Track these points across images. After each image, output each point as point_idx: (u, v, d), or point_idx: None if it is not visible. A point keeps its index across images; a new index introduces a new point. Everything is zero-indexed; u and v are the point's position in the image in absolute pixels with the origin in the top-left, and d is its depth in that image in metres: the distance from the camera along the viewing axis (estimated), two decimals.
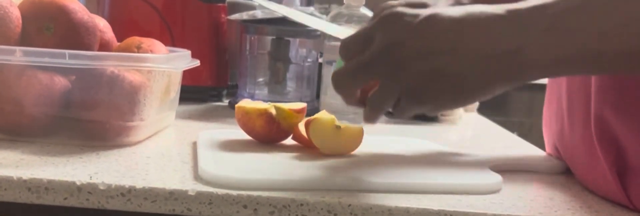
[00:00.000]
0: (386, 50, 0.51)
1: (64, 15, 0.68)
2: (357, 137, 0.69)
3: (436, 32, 0.50)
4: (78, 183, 0.53)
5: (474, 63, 0.50)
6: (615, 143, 0.57)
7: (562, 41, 0.48)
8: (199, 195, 0.53)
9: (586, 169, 0.63)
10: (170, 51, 0.79)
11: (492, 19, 0.50)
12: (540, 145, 0.84)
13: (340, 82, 0.55)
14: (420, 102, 0.53)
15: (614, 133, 0.57)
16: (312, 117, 0.69)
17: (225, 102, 1.10)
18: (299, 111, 0.72)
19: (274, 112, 0.71)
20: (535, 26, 0.49)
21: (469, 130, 1.08)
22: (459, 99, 0.53)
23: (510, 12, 0.50)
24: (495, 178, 0.62)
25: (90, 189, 0.53)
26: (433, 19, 0.51)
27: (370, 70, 0.53)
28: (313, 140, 0.67)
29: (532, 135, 0.84)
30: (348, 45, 0.55)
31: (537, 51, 0.49)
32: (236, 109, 0.73)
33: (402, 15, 0.52)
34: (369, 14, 0.94)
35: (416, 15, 0.51)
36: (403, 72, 0.51)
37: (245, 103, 0.73)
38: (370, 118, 0.57)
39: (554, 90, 0.70)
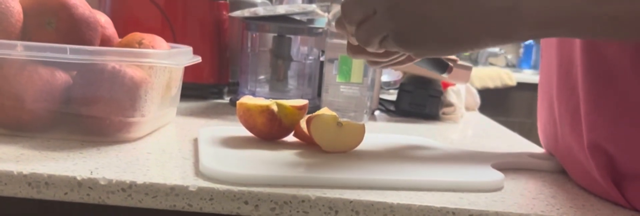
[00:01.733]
0: None
1: (65, 11, 0.68)
2: (359, 134, 0.69)
3: None
4: (79, 178, 0.53)
5: (466, 15, 0.51)
6: (605, 151, 0.57)
7: (558, 2, 0.49)
8: (200, 190, 0.53)
9: (581, 173, 0.63)
10: (172, 47, 0.79)
11: None
12: (541, 144, 0.83)
13: (347, 9, 0.56)
14: (405, 44, 0.54)
15: (603, 141, 0.57)
16: (314, 114, 0.68)
17: (226, 99, 1.10)
18: (301, 108, 0.72)
19: (275, 109, 0.71)
20: None
21: (470, 128, 1.07)
22: (445, 48, 0.54)
23: None
24: (497, 176, 0.61)
25: (91, 184, 0.53)
26: None
27: (373, 2, 0.54)
28: (314, 137, 0.67)
29: (533, 135, 0.84)
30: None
31: (532, 10, 0.50)
32: (238, 106, 0.73)
33: None
34: None
35: None
36: (397, 11, 0.52)
37: (246, 99, 0.73)
38: (353, 50, 0.59)
39: (546, 95, 0.70)
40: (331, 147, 0.68)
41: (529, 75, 3.54)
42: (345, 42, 0.92)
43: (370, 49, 0.58)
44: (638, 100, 0.54)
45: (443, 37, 0.53)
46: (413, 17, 0.52)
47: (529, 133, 0.76)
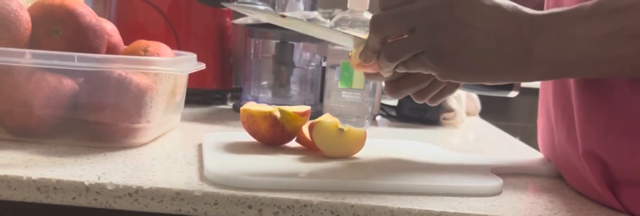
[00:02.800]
0: (435, 7, 0.54)
1: (72, 19, 0.69)
2: (360, 140, 0.70)
3: (482, 9, 0.54)
4: (86, 183, 0.54)
5: (495, 49, 0.54)
6: (599, 158, 0.58)
7: (565, 47, 0.52)
8: (205, 195, 0.54)
9: (578, 179, 0.64)
10: (176, 54, 0.80)
11: (523, 17, 0.54)
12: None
13: (380, 24, 0.57)
14: (439, 63, 0.55)
15: (597, 149, 0.58)
16: (316, 120, 0.69)
17: (230, 105, 1.12)
18: (303, 114, 0.73)
19: (278, 115, 0.72)
20: (547, 31, 0.53)
21: (471, 133, 1.08)
22: (471, 75, 0.56)
23: (536, 16, 0.54)
24: (496, 180, 0.62)
25: (98, 189, 0.54)
26: None
27: (413, 20, 0.55)
28: (316, 143, 0.68)
29: (534, 139, 0.85)
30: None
31: (542, 54, 0.53)
32: (241, 112, 0.74)
33: None
34: None
35: None
36: (440, 30, 0.54)
37: (249, 106, 0.74)
38: (384, 65, 0.59)
39: (544, 102, 0.71)
40: (333, 152, 0.69)
41: None
42: (346, 48, 0.93)
43: (386, 68, 0.59)
44: (630, 108, 0.55)
45: (475, 64, 0.54)
46: (455, 39, 0.54)
47: (530, 138, 0.77)
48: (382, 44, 0.58)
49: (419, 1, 0.55)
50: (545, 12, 0.54)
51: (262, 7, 1.15)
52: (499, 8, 0.54)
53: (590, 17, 0.52)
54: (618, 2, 0.51)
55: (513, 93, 0.73)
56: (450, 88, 0.68)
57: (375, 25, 0.57)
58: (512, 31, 0.54)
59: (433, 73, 0.57)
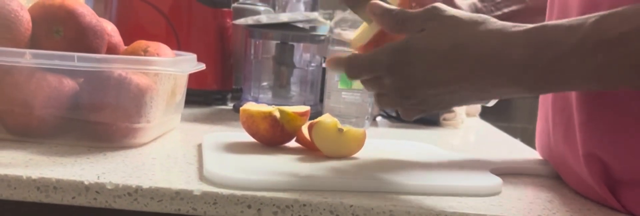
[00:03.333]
0: (396, 62, 0.56)
1: (72, 19, 0.69)
2: (360, 140, 0.70)
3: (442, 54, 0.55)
4: (86, 182, 0.54)
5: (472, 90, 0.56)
6: (599, 159, 0.58)
7: (556, 79, 0.52)
8: (204, 195, 0.54)
9: (576, 180, 0.64)
10: (177, 55, 0.80)
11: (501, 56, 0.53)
12: None
13: (352, 67, 0.59)
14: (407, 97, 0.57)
15: (597, 150, 0.58)
16: (315, 120, 0.70)
17: (230, 106, 1.12)
18: (303, 114, 0.73)
19: (278, 115, 0.72)
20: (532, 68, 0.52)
21: (471, 134, 1.09)
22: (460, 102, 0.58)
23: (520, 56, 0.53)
24: (495, 180, 0.63)
25: (98, 188, 0.54)
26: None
27: (379, 70, 0.57)
28: (316, 143, 0.68)
29: (535, 140, 0.85)
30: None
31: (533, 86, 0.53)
32: (241, 112, 0.74)
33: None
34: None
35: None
36: (413, 89, 0.56)
37: (249, 106, 0.74)
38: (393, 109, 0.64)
39: (543, 104, 0.71)
40: (332, 152, 0.69)
41: None
42: (347, 49, 0.93)
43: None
44: (632, 108, 0.55)
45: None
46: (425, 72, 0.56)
47: (531, 138, 0.77)
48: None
49: (382, 54, 0.57)
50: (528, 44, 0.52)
51: (262, 8, 1.15)
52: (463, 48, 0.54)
53: (578, 50, 0.50)
54: (606, 34, 0.49)
55: (492, 102, 0.74)
56: None
57: (351, 68, 0.59)
58: (481, 75, 0.54)
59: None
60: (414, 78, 0.55)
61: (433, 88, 0.55)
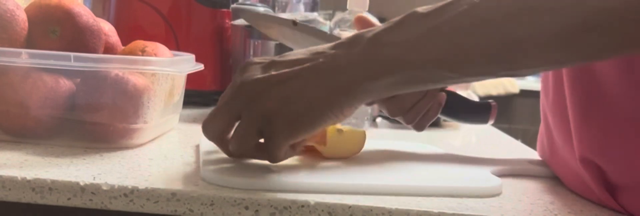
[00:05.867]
0: (237, 90, 0.56)
1: (69, 19, 0.69)
2: (359, 141, 0.70)
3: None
4: (82, 183, 0.54)
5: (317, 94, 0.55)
6: (595, 163, 0.57)
7: (376, 56, 0.53)
8: (201, 196, 0.53)
9: (576, 182, 0.63)
10: (175, 55, 0.79)
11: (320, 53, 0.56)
12: None
13: (206, 127, 0.60)
14: (281, 123, 0.55)
15: (592, 154, 0.57)
16: None
17: None
18: None
19: None
20: (355, 48, 0.54)
21: (471, 135, 1.08)
22: (308, 122, 0.55)
23: (337, 43, 0.55)
24: (495, 181, 0.62)
25: (93, 189, 0.53)
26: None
27: (228, 108, 0.57)
28: (315, 144, 0.68)
29: (536, 142, 0.85)
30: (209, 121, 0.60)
31: (356, 69, 0.53)
32: None
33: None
34: (372, 19, 0.94)
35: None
36: (258, 100, 0.55)
37: None
38: (236, 154, 0.61)
39: (543, 108, 0.71)
40: (331, 153, 0.68)
41: (532, 83, 3.54)
42: None
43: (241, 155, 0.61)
44: (625, 113, 0.55)
45: (309, 112, 0.55)
46: (275, 100, 0.55)
47: (532, 140, 0.77)
48: (223, 144, 0.60)
49: (224, 96, 0.58)
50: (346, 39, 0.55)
51: (262, 9, 1.15)
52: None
53: (402, 23, 0.52)
54: (425, 9, 0.52)
55: (491, 121, 0.75)
56: (434, 112, 0.71)
57: (204, 131, 0.60)
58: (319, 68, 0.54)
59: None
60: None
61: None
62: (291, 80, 0.55)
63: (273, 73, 0.55)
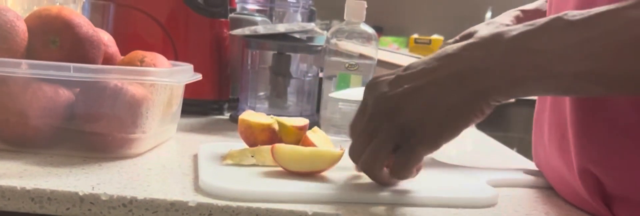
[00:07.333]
0: (373, 110, 0.56)
1: (69, 30, 0.69)
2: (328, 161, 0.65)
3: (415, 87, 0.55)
4: (81, 193, 0.54)
5: (454, 100, 0.54)
6: (593, 174, 0.58)
7: (519, 62, 0.51)
8: (199, 206, 0.54)
9: (571, 193, 0.64)
10: (173, 65, 0.80)
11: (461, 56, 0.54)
12: None
13: (354, 155, 0.59)
14: (424, 138, 0.55)
15: (591, 164, 0.58)
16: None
17: (227, 115, 1.11)
18: (301, 128, 0.73)
19: (276, 127, 0.72)
20: (495, 50, 0.52)
21: (467, 145, 1.08)
22: (446, 131, 0.55)
23: (470, 44, 0.54)
24: (491, 192, 0.62)
25: (92, 200, 0.54)
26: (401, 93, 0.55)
27: (370, 131, 0.56)
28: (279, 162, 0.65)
29: (531, 151, 0.86)
30: (353, 126, 0.60)
31: (498, 74, 0.52)
32: (239, 122, 0.74)
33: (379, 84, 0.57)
34: (369, 30, 0.95)
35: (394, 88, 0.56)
36: (396, 114, 0.55)
37: (248, 116, 0.74)
38: (364, 169, 0.59)
39: (538, 117, 0.71)
40: (298, 168, 0.65)
41: None
42: (343, 59, 0.93)
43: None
44: (626, 124, 0.55)
45: (443, 120, 0.55)
46: (414, 112, 0.55)
47: (528, 148, 0.77)
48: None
49: (359, 122, 0.58)
50: (481, 36, 0.54)
51: (259, 19, 1.15)
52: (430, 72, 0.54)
53: (548, 29, 0.50)
54: (573, 16, 0.50)
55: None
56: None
57: (354, 159, 0.59)
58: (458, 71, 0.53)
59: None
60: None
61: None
62: (426, 89, 0.54)
63: (405, 86, 0.55)
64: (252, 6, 1.21)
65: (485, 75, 0.52)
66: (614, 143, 0.56)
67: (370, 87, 0.58)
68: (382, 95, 0.56)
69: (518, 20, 0.80)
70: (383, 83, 0.56)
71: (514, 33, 0.52)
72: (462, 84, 0.53)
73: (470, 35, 0.76)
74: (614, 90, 0.51)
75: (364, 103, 0.58)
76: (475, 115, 0.54)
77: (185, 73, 0.77)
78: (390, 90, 0.55)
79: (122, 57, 0.79)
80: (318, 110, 1.02)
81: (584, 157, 0.58)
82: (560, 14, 0.51)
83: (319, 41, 1.03)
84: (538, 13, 0.81)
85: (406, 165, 0.56)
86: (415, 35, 1.88)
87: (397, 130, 0.55)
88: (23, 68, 0.64)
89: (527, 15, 0.81)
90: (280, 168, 0.65)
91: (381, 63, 1.07)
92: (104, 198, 0.54)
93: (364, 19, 0.95)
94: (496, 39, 0.52)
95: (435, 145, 0.55)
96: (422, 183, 0.64)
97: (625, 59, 0.48)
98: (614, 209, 0.57)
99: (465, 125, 0.55)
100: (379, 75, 0.59)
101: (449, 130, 0.54)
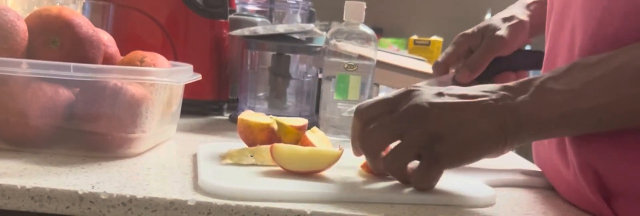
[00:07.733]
0: (409, 109, 0.58)
1: (69, 30, 0.70)
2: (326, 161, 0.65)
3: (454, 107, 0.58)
4: (80, 192, 0.54)
5: (483, 132, 0.57)
6: (594, 170, 0.58)
7: (543, 103, 0.56)
8: (198, 205, 0.54)
9: (571, 191, 0.64)
10: (173, 65, 0.80)
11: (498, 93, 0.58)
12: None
13: (369, 143, 0.60)
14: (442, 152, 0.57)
15: (591, 160, 0.58)
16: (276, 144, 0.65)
17: (226, 116, 1.12)
18: (300, 128, 0.74)
19: (275, 127, 0.72)
20: (522, 94, 0.57)
21: None
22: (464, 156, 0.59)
23: (504, 88, 0.58)
24: (489, 191, 0.63)
25: (92, 198, 0.54)
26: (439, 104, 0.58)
27: (395, 126, 0.58)
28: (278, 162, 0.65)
29: (530, 151, 0.86)
30: (368, 109, 0.61)
31: (524, 114, 0.56)
32: (239, 122, 0.74)
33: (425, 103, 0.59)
34: (368, 31, 0.95)
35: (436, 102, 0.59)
36: (430, 122, 0.57)
37: (247, 116, 0.74)
38: (386, 171, 0.62)
39: None
40: (296, 167, 0.65)
41: None
42: (342, 60, 0.94)
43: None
44: None
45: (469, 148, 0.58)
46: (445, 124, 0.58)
47: (527, 149, 0.77)
48: (377, 159, 0.61)
49: (397, 110, 0.59)
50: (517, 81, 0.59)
51: (259, 19, 1.16)
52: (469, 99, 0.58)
53: (568, 72, 0.56)
54: (589, 59, 0.56)
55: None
56: None
57: (362, 143, 0.61)
58: (493, 112, 0.57)
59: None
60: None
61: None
62: (465, 110, 0.57)
63: (447, 100, 0.58)
64: (251, 7, 1.21)
65: (515, 111, 0.56)
66: (616, 137, 0.56)
67: (412, 91, 0.60)
68: (422, 101, 0.58)
69: (533, 12, 0.86)
70: (427, 91, 0.59)
71: (542, 78, 0.57)
72: (494, 115, 0.57)
73: (487, 27, 0.84)
74: (632, 122, 0.55)
75: (394, 100, 0.60)
76: (498, 148, 0.58)
77: (184, 74, 0.77)
78: (433, 98, 0.58)
79: (122, 57, 0.79)
80: (317, 110, 1.03)
81: (585, 152, 0.58)
82: (577, 60, 0.57)
83: (318, 42, 1.03)
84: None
85: (429, 173, 0.59)
86: (415, 37, 1.88)
87: (426, 136, 0.57)
88: (23, 67, 0.64)
89: (541, 6, 0.85)
90: (279, 168, 0.65)
91: (380, 65, 1.07)
92: (103, 196, 0.54)
93: (363, 20, 0.96)
94: (527, 83, 0.58)
95: (456, 161, 0.58)
96: None
97: (630, 92, 0.53)
98: (614, 205, 0.57)
99: (486, 153, 0.58)
100: (420, 86, 0.63)
101: (472, 151, 0.58)
